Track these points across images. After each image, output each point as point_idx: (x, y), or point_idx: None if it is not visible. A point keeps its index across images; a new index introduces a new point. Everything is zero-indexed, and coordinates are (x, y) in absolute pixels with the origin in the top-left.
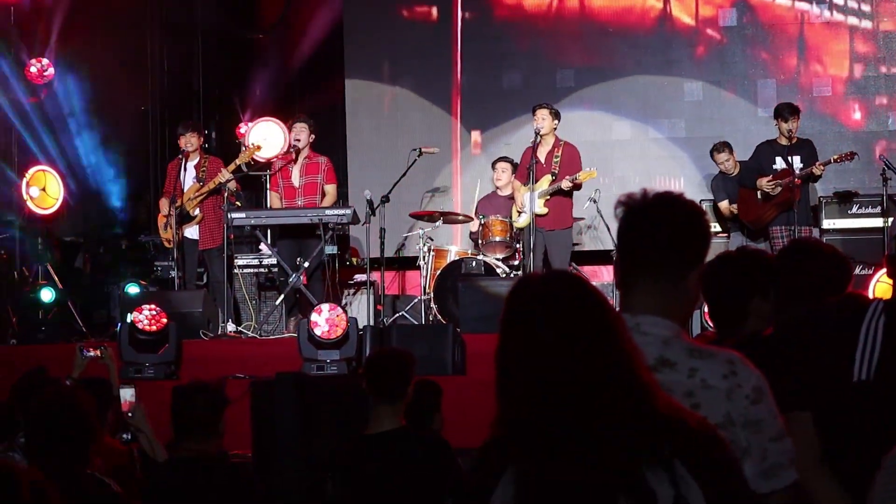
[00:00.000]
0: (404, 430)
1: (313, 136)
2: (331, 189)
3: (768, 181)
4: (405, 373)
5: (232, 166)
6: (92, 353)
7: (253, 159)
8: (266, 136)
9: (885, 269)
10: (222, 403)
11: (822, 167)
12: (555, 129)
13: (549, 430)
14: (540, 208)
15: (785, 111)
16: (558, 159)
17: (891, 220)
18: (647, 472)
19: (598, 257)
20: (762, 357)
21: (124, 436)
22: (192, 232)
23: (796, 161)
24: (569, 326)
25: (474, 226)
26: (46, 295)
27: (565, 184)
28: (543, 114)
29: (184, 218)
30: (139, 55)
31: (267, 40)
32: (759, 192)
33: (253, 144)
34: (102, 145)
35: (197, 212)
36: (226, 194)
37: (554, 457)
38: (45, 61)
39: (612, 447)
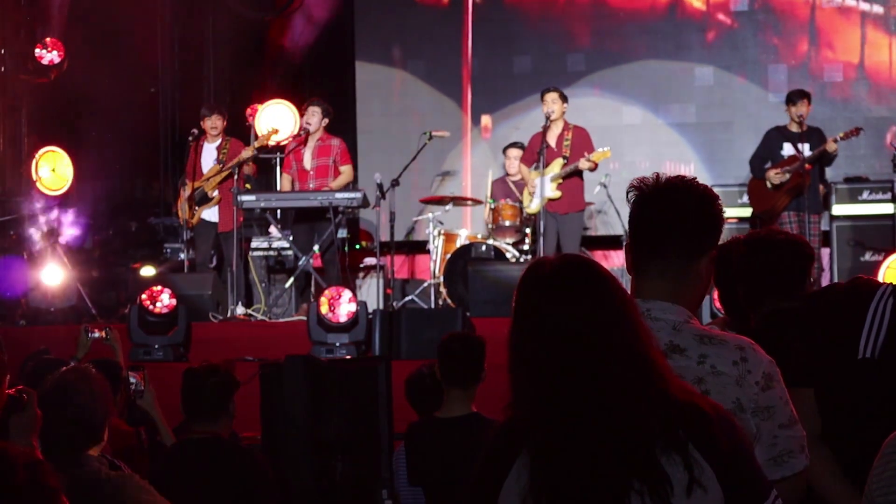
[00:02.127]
0: (475, 417)
1: (326, 119)
2: (346, 169)
3: (776, 172)
4: (476, 358)
5: (251, 150)
6: (97, 334)
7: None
8: (276, 119)
9: None
10: (232, 386)
11: (834, 144)
12: (564, 112)
13: (564, 412)
14: (553, 192)
15: (795, 96)
16: (568, 142)
17: None
18: (661, 457)
19: (609, 242)
20: (773, 335)
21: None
22: (209, 214)
23: (805, 149)
24: (583, 310)
25: (486, 212)
26: (54, 275)
27: (584, 163)
28: (553, 97)
29: (201, 199)
30: (149, 37)
31: (278, 22)
32: (768, 182)
33: (271, 128)
34: (112, 127)
35: (215, 193)
36: (234, 178)
37: (568, 440)
38: (53, 43)
39: (626, 430)
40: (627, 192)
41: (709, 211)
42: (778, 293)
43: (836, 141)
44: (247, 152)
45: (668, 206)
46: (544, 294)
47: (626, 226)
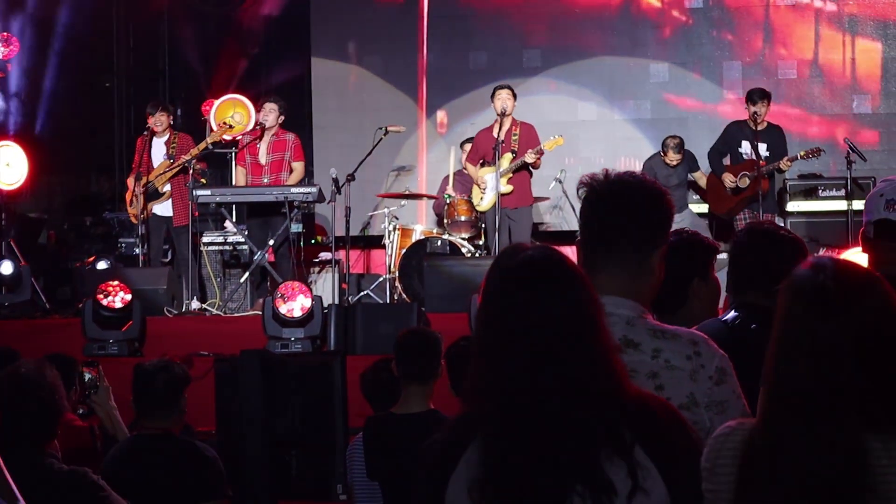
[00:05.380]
0: (432, 413)
1: (282, 117)
2: (298, 166)
3: (731, 179)
4: (433, 353)
5: (203, 145)
6: (88, 376)
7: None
8: (232, 114)
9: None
10: (183, 381)
11: (788, 163)
12: (514, 109)
13: (514, 406)
14: (504, 187)
15: (755, 95)
16: (517, 137)
17: (855, 203)
18: (605, 462)
19: (565, 237)
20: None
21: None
22: (161, 209)
23: (762, 148)
24: (544, 303)
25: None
26: (6, 268)
27: (529, 156)
28: (508, 94)
29: (151, 195)
30: (104, 31)
31: (233, 17)
32: (725, 185)
33: (225, 124)
34: (67, 121)
35: (167, 188)
36: (191, 172)
37: (516, 435)
38: (6, 37)
39: (572, 432)
40: (577, 189)
41: (659, 206)
42: (763, 288)
43: (792, 160)
44: (190, 155)
45: (618, 203)
46: (508, 283)
47: (579, 222)
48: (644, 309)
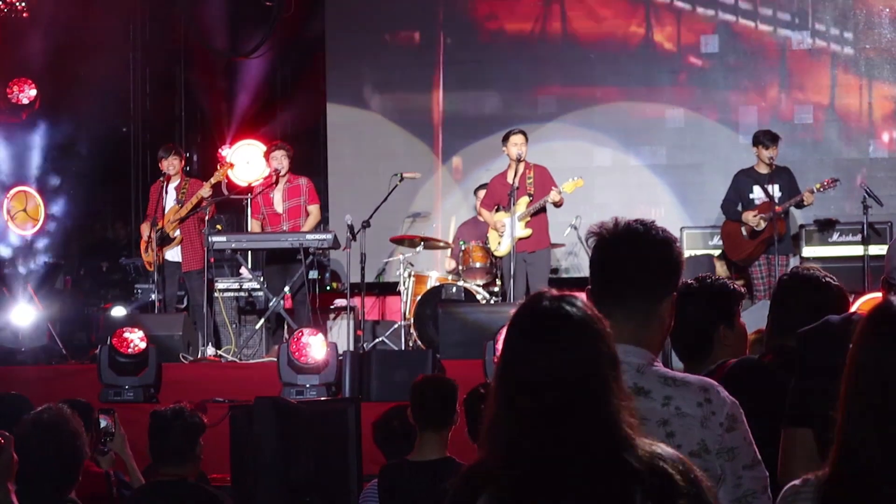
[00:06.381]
0: (448, 461)
1: (290, 159)
2: (314, 209)
3: (754, 215)
4: (448, 400)
5: (208, 185)
6: (104, 423)
7: (234, 185)
8: (248, 160)
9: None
10: (199, 429)
11: (811, 195)
12: (526, 153)
13: (524, 461)
14: (522, 230)
15: (765, 138)
16: (531, 180)
17: (871, 247)
18: None
19: (580, 283)
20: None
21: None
22: (172, 254)
23: (774, 190)
24: (563, 359)
25: (450, 258)
26: (23, 314)
27: (554, 195)
28: (521, 139)
29: (164, 240)
30: (121, 77)
31: (249, 63)
32: (743, 228)
33: (227, 162)
34: (84, 167)
35: (177, 233)
36: (206, 217)
37: (524, 493)
38: (26, 82)
39: (582, 495)
40: (586, 238)
41: (668, 255)
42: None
43: (812, 192)
44: (204, 189)
45: (628, 252)
46: (517, 333)
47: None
48: (654, 356)
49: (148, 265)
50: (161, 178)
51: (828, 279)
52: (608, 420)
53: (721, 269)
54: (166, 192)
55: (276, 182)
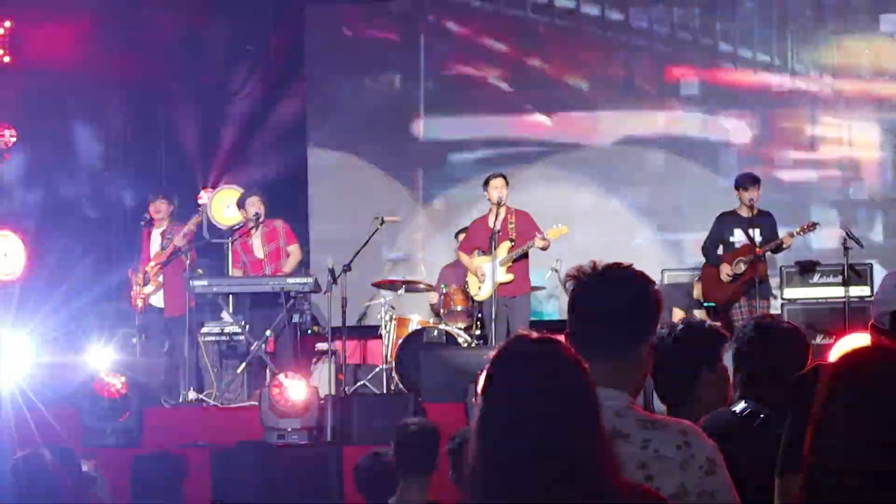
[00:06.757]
0: None
1: (265, 204)
2: (294, 249)
3: (728, 267)
4: (430, 445)
5: (180, 235)
6: (85, 468)
7: (214, 229)
8: (228, 204)
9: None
10: (181, 473)
11: (790, 238)
12: (507, 197)
13: (505, 500)
14: (503, 276)
15: (746, 181)
16: (513, 225)
17: (852, 289)
18: None
19: (561, 326)
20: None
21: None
22: (156, 300)
23: (756, 234)
24: (538, 397)
25: (434, 297)
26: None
27: (539, 241)
28: (502, 182)
29: (146, 285)
30: (101, 121)
31: (230, 106)
32: (723, 273)
33: (199, 213)
34: (64, 210)
35: (159, 278)
36: (187, 262)
37: None
38: (4, 126)
39: None
40: (564, 282)
41: (645, 298)
42: (771, 383)
43: (792, 236)
44: (177, 238)
45: (605, 296)
46: (497, 373)
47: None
48: (633, 399)
49: (136, 308)
50: (147, 223)
51: (784, 325)
52: (588, 462)
53: (678, 317)
54: (150, 238)
55: (256, 228)
